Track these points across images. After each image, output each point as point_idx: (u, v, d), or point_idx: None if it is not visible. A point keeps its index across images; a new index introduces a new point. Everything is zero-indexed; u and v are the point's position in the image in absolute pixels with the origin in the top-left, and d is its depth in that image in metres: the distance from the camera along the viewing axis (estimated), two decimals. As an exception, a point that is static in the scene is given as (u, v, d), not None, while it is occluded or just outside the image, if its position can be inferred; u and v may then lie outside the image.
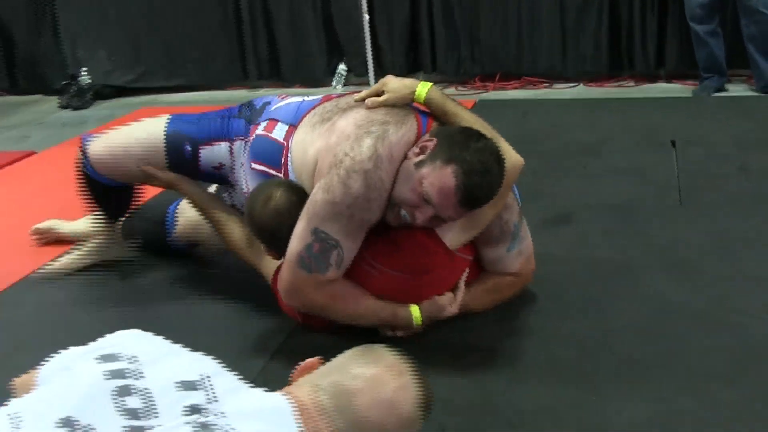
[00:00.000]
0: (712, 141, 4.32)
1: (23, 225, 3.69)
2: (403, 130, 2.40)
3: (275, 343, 2.57)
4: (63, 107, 6.39)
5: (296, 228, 2.41)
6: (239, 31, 6.46)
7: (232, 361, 1.77)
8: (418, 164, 2.32)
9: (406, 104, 2.50)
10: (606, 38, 5.91)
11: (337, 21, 6.29)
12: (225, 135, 2.79)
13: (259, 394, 1.66)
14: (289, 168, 2.58)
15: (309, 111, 2.65)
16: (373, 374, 1.67)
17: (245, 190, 2.72)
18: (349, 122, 2.45)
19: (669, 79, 5.86)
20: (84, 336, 2.72)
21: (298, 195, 2.47)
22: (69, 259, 3.21)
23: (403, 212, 2.35)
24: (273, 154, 2.64)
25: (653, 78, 5.89)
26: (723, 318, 2.58)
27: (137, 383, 1.55)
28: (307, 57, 6.38)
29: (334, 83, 6.37)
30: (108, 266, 3.19)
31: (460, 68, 6.21)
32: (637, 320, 2.59)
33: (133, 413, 1.51)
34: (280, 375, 1.86)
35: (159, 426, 1.50)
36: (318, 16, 6.33)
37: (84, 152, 2.91)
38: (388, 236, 2.44)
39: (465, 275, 2.54)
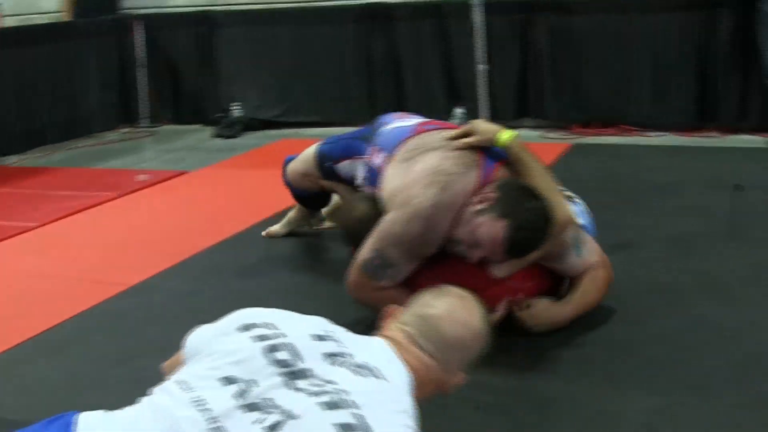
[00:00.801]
0: (774, 187, 4.35)
1: (167, 227, 4.18)
2: (464, 182, 2.58)
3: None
4: (216, 136, 6.67)
5: (368, 241, 2.67)
6: (371, 74, 6.71)
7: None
8: (478, 212, 2.50)
9: (485, 147, 2.67)
10: (694, 92, 5.92)
11: (456, 69, 6.49)
12: (349, 154, 3.16)
13: (363, 337, 1.86)
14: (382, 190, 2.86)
15: (404, 141, 2.87)
16: (447, 302, 1.92)
17: None
18: (423, 166, 2.65)
19: (751, 131, 5.78)
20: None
21: (376, 209, 2.76)
22: (276, 227, 3.87)
23: (460, 247, 2.56)
24: (373, 177, 2.94)
25: (736, 130, 5.83)
26: (745, 334, 2.69)
27: (282, 340, 1.71)
28: (430, 99, 6.54)
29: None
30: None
31: (563, 115, 6.31)
32: (668, 331, 2.73)
33: (283, 363, 1.66)
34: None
35: (309, 368, 1.67)
36: (440, 63, 6.52)
37: (285, 169, 3.55)
38: (446, 259, 2.65)
39: (504, 302, 2.64)
